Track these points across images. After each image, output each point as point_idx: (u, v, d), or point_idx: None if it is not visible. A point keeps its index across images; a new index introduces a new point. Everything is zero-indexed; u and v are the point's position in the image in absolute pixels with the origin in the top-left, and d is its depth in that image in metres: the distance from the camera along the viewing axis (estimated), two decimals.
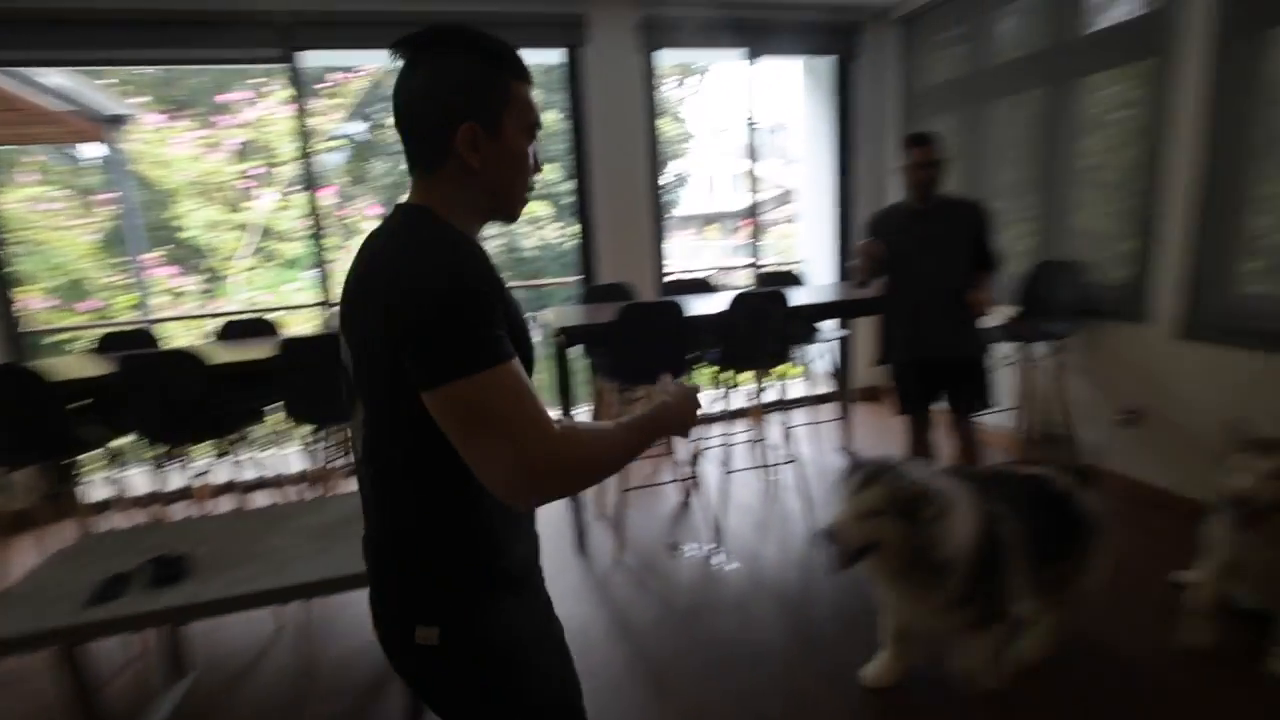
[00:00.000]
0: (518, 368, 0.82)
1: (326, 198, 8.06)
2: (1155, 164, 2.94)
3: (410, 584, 0.93)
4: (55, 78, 4.39)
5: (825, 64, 4.66)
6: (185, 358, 2.45)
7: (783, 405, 4.08)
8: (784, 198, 10.89)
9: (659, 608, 2.53)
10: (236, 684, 2.25)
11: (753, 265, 4.74)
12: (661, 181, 4.33)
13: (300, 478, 3.38)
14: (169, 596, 1.74)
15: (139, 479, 3.33)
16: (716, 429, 4.09)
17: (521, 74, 0.93)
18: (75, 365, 2.75)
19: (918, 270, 2.68)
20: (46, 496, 2.77)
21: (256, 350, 2.72)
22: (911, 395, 2.84)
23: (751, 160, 4.83)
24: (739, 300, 2.86)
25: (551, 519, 3.11)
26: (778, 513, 3.28)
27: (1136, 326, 3.08)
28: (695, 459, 3.22)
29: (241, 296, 7.84)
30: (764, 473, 3.72)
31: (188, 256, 7.88)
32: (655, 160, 4.23)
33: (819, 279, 4.89)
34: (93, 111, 4.88)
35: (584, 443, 0.84)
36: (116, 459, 2.81)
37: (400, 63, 0.90)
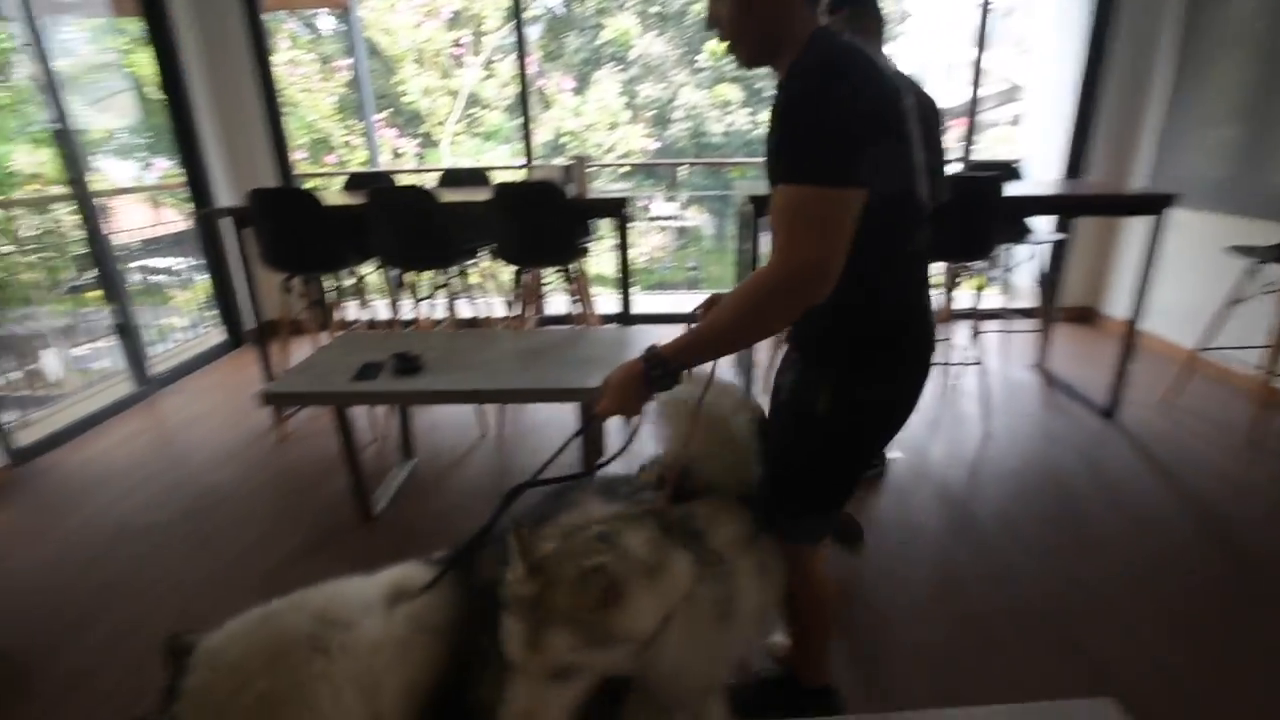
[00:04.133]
0: None
1: (528, 66, 8.40)
2: None
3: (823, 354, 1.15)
4: None
5: None
6: (422, 194, 2.83)
7: (975, 315, 3.82)
8: (1010, 94, 9.54)
9: None
10: (448, 472, 2.75)
11: (966, 160, 4.33)
12: None
13: (502, 319, 3.84)
14: (409, 382, 2.14)
15: (375, 310, 3.98)
16: None
17: None
18: (335, 198, 3.27)
19: None
20: (313, 304, 3.41)
21: (476, 194, 3.06)
22: None
23: (978, 48, 4.27)
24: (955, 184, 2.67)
25: None
26: (951, 413, 3.19)
27: None
28: None
29: (447, 162, 8.60)
30: (944, 372, 3.60)
31: (407, 120, 8.71)
32: None
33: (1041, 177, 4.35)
34: None
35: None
36: (360, 290, 3.38)
37: None
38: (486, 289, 3.55)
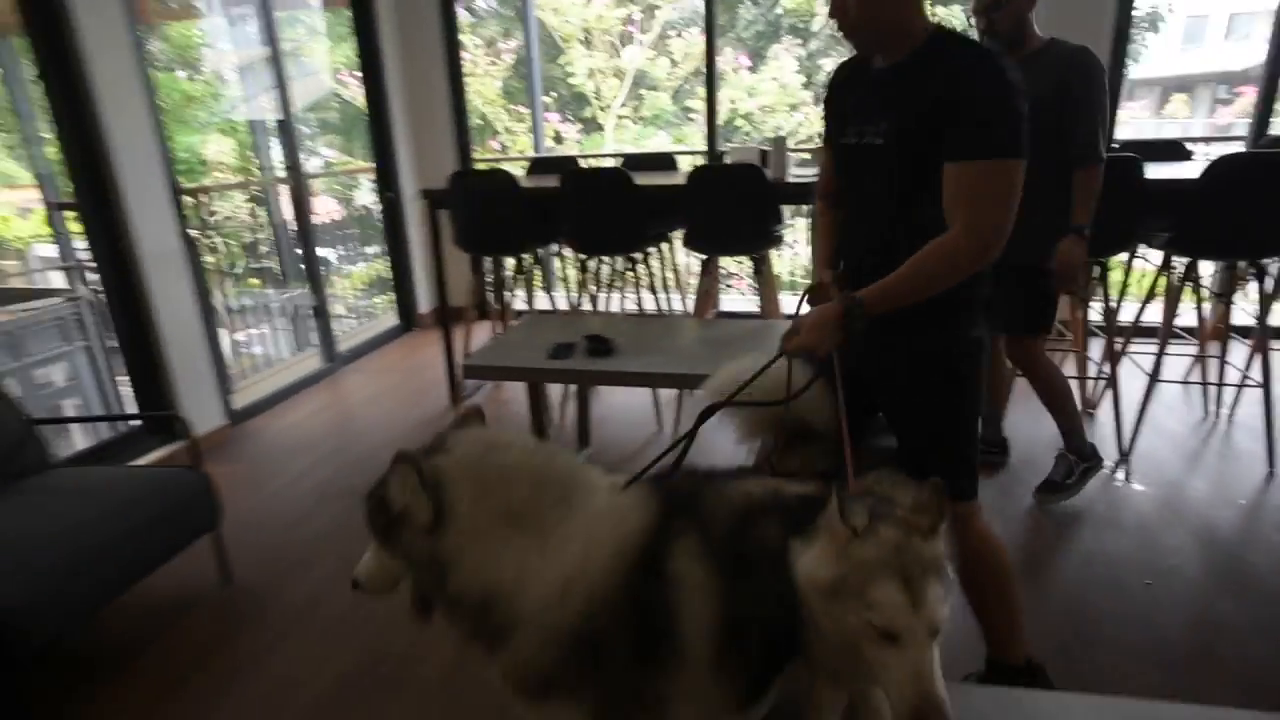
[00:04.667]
0: None
1: (697, 43, 8.77)
2: None
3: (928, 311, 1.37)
4: None
5: None
6: (620, 175, 3.18)
7: (1264, 331, 3.53)
8: None
9: (1035, 507, 2.62)
10: (620, 465, 3.03)
11: (1257, 137, 3.99)
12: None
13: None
14: (603, 363, 2.44)
15: (554, 298, 4.44)
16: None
17: None
18: (524, 182, 3.73)
19: None
20: (496, 287, 3.90)
21: (667, 178, 3.36)
22: None
23: None
24: (1229, 163, 2.56)
25: None
26: (1219, 446, 3.00)
27: None
28: (1114, 358, 3.06)
29: (609, 147, 9.16)
30: (1207, 395, 3.38)
31: (570, 103, 9.41)
32: None
33: None
34: None
35: None
36: (545, 274, 3.81)
37: None
38: (665, 279, 3.84)
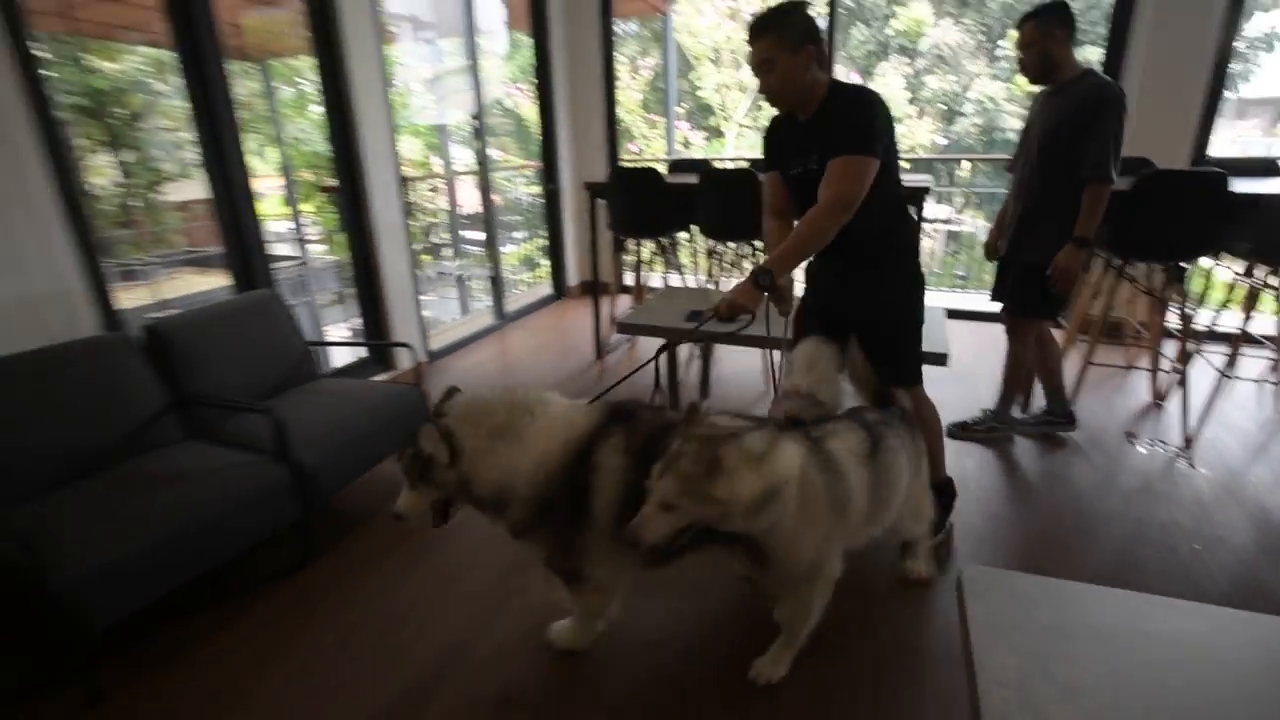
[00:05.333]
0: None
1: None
2: None
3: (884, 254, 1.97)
4: None
5: None
6: (748, 174, 3.38)
7: None
8: None
9: (1097, 476, 2.66)
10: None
11: None
12: (1234, 44, 3.64)
13: None
14: (729, 326, 2.67)
15: (684, 276, 4.70)
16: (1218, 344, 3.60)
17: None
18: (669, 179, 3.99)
19: None
20: (639, 264, 4.21)
21: None
22: None
23: None
24: None
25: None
26: None
27: None
28: (1186, 356, 3.00)
29: (730, 152, 9.27)
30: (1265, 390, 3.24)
31: (697, 113, 9.57)
32: (1234, 12, 3.56)
33: None
34: None
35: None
36: (676, 254, 4.08)
37: None
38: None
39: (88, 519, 1.76)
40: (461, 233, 5.92)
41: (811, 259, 2.07)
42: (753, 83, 9.60)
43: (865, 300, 1.99)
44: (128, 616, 1.71)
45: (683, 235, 4.20)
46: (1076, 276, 2.47)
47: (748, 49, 1.83)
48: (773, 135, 2.00)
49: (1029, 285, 2.58)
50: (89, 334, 2.23)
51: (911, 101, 10.38)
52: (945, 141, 10.46)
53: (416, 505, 1.60)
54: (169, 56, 2.74)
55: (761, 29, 1.77)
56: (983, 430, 2.93)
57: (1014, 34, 2.47)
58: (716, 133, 9.49)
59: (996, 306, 2.80)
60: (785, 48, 1.75)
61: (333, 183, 3.47)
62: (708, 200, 3.48)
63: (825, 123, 1.80)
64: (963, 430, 2.95)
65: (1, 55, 2.04)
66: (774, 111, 1.96)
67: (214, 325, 2.47)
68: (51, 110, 2.18)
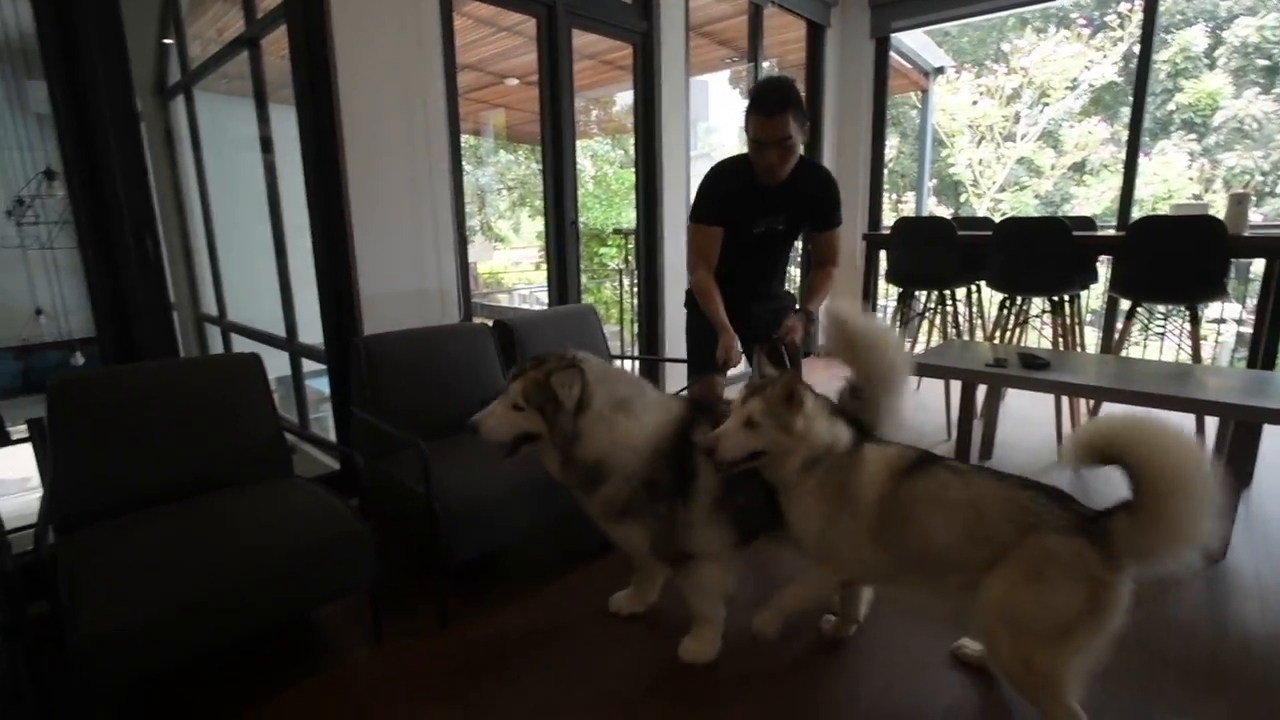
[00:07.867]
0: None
1: (1094, 133, 8.02)
2: None
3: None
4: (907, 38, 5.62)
5: None
6: (1054, 223, 3.12)
7: None
8: None
9: None
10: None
11: None
12: None
13: None
14: (1037, 374, 2.45)
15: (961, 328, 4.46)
16: None
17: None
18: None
19: None
20: (914, 316, 4.06)
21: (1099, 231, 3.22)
22: None
23: None
24: None
25: None
26: None
27: None
28: None
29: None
30: None
31: (944, 190, 9.24)
32: None
33: None
34: (924, 64, 6.19)
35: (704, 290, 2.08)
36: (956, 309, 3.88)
37: None
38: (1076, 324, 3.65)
39: (459, 467, 1.99)
40: None
41: (738, 298, 2.14)
42: (1011, 154, 9.07)
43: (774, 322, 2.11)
44: (478, 555, 1.92)
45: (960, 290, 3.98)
46: None
47: (756, 125, 1.83)
48: (729, 195, 2.04)
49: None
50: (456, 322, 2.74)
51: (1200, 179, 9.04)
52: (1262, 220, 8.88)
53: (499, 427, 1.55)
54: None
55: (781, 107, 1.79)
56: None
57: None
58: (965, 207, 9.03)
59: None
60: (799, 124, 1.84)
61: (629, 227, 3.86)
62: (1003, 252, 3.27)
63: (797, 191, 2.00)
64: None
65: (444, 145, 2.71)
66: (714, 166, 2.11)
67: (547, 324, 2.80)
68: (461, 177, 2.82)
